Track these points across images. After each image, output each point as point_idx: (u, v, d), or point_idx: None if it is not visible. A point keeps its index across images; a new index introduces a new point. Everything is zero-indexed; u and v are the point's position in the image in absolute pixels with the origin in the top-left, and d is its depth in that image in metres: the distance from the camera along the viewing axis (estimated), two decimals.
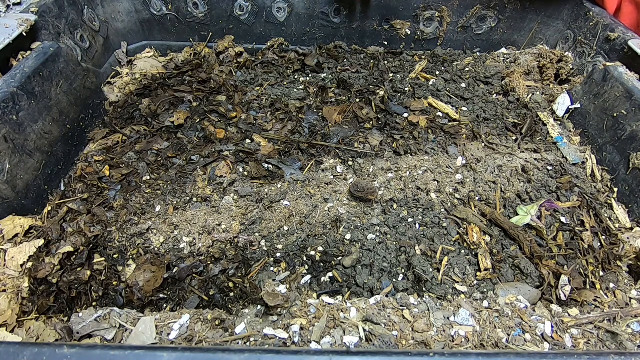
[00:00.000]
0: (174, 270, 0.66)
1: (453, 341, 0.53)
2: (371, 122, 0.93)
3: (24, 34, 0.81)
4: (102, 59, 1.08)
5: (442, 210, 0.74)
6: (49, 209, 0.74)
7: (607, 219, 0.73)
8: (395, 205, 0.75)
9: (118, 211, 0.74)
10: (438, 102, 0.97)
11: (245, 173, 0.81)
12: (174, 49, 1.19)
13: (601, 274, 0.66)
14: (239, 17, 1.14)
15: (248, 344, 0.52)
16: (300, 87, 1.05)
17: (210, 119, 0.93)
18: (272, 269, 0.66)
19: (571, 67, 1.03)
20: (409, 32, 1.16)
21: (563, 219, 0.72)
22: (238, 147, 0.86)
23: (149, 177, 0.80)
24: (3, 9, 0.93)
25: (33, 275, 0.62)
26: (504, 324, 0.55)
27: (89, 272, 0.64)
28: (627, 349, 0.54)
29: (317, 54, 1.15)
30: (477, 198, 0.76)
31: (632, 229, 0.72)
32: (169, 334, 0.54)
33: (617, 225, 0.73)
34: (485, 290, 0.63)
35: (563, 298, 0.62)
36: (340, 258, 0.67)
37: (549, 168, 0.82)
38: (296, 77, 1.10)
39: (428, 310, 0.56)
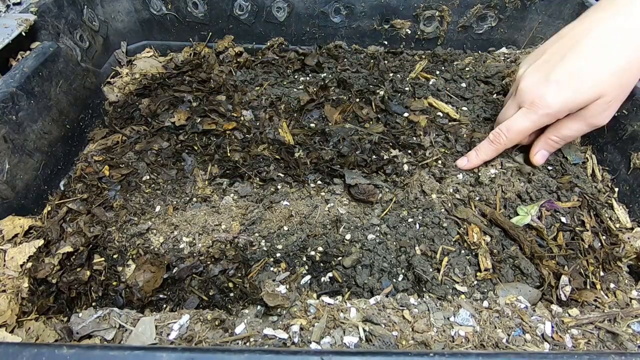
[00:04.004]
0: (174, 271, 0.66)
1: (453, 341, 0.53)
2: (371, 122, 0.93)
3: (24, 34, 0.81)
4: (102, 59, 1.08)
5: (442, 210, 0.74)
6: (49, 209, 0.74)
7: (608, 219, 0.73)
8: (395, 205, 0.75)
9: (118, 211, 0.74)
10: (438, 101, 0.97)
11: None
12: (174, 48, 1.19)
13: (601, 274, 0.66)
14: (238, 17, 1.14)
15: (248, 344, 0.52)
16: (300, 87, 1.05)
17: (211, 119, 0.92)
18: (272, 269, 0.66)
19: None
20: (409, 32, 1.15)
21: (563, 219, 0.72)
22: None
23: (148, 177, 0.80)
24: (3, 9, 0.93)
25: (33, 276, 0.62)
26: (504, 324, 0.55)
27: (88, 273, 0.64)
28: (627, 349, 0.53)
29: (317, 54, 1.15)
30: (477, 198, 0.76)
31: (632, 229, 0.72)
32: (168, 334, 0.54)
33: (617, 226, 0.73)
34: (486, 290, 0.63)
35: (563, 298, 0.61)
36: (340, 258, 0.67)
37: (549, 168, 0.81)
38: (296, 76, 1.10)
39: (428, 310, 0.56)
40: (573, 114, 0.69)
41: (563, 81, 0.65)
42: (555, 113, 0.68)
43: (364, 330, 0.52)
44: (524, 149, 0.84)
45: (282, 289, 0.61)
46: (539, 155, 0.76)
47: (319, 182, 0.80)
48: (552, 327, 0.55)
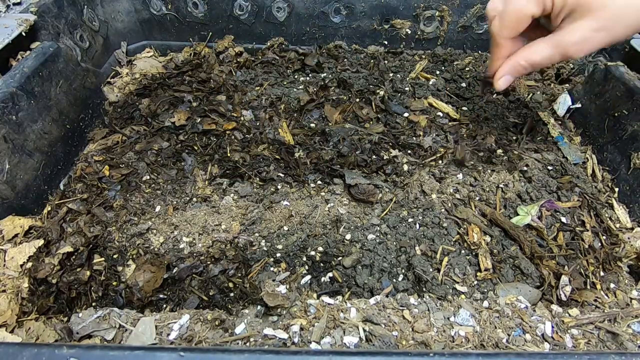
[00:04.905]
0: (174, 271, 0.66)
1: (453, 341, 0.52)
2: (371, 122, 0.93)
3: (24, 34, 0.81)
4: (102, 59, 1.08)
5: (443, 210, 0.74)
6: (49, 209, 0.74)
7: (608, 219, 0.73)
8: (395, 205, 0.75)
9: (118, 211, 0.74)
10: (438, 101, 0.97)
11: None
12: (174, 48, 1.19)
13: (602, 274, 0.66)
14: (238, 17, 1.14)
15: (248, 344, 0.52)
16: (300, 87, 1.05)
17: (211, 119, 0.92)
18: (272, 269, 0.66)
19: (572, 66, 1.03)
20: (409, 32, 1.15)
21: (563, 219, 0.72)
22: None
23: (148, 177, 0.80)
24: (3, 9, 0.93)
25: (33, 276, 0.61)
26: (504, 324, 0.55)
27: (88, 273, 0.64)
28: (627, 349, 0.53)
29: (317, 54, 1.15)
30: (477, 198, 0.76)
31: (632, 229, 0.72)
32: (168, 335, 0.54)
33: (617, 226, 0.73)
34: (486, 290, 0.63)
35: (563, 298, 0.61)
36: (340, 258, 0.67)
37: (550, 168, 0.81)
38: (296, 76, 1.10)
39: (428, 310, 0.56)
40: (547, 36, 0.64)
41: None
42: None
43: (364, 330, 0.52)
44: (527, 146, 0.84)
45: (282, 289, 0.61)
46: (502, 80, 0.68)
47: (319, 182, 0.80)
48: (552, 327, 0.55)
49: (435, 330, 0.54)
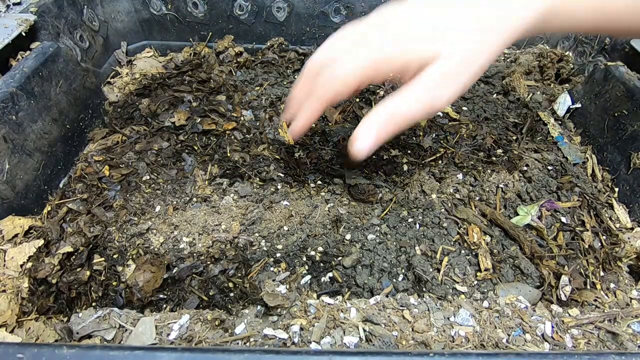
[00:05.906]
0: (174, 271, 0.66)
1: (453, 341, 0.53)
2: None
3: (23, 34, 0.81)
4: (102, 59, 1.08)
5: (443, 210, 0.74)
6: (49, 209, 0.74)
7: (608, 219, 0.73)
8: (395, 205, 0.75)
9: (118, 211, 0.74)
10: None
11: None
12: (174, 48, 1.19)
13: (602, 274, 0.66)
14: (238, 17, 1.14)
15: (248, 344, 0.52)
16: None
17: (211, 119, 0.92)
18: (272, 269, 0.66)
19: (572, 66, 1.03)
20: None
21: (563, 219, 0.72)
22: None
23: (148, 177, 0.80)
24: (3, 9, 0.93)
25: (33, 276, 0.61)
26: (504, 324, 0.55)
27: (88, 273, 0.64)
28: (627, 349, 0.53)
29: None
30: (477, 198, 0.76)
31: (632, 229, 0.72)
32: (168, 335, 0.54)
33: (617, 225, 0.73)
34: (486, 290, 0.63)
35: (563, 298, 0.61)
36: (340, 258, 0.67)
37: (550, 168, 0.81)
38: (296, 76, 1.10)
39: (428, 310, 0.56)
40: (412, 79, 0.51)
41: (394, 22, 0.48)
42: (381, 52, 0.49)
43: (364, 330, 0.52)
44: (527, 146, 0.84)
45: (282, 289, 0.61)
46: (361, 139, 0.50)
47: (319, 182, 0.80)
48: (552, 327, 0.55)
49: (435, 330, 0.54)
